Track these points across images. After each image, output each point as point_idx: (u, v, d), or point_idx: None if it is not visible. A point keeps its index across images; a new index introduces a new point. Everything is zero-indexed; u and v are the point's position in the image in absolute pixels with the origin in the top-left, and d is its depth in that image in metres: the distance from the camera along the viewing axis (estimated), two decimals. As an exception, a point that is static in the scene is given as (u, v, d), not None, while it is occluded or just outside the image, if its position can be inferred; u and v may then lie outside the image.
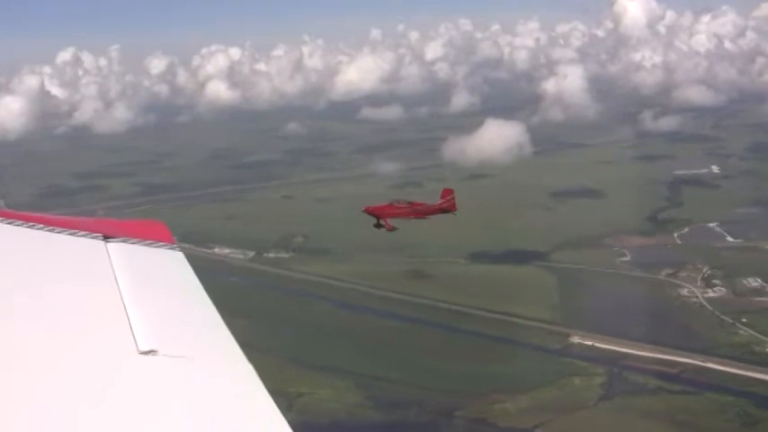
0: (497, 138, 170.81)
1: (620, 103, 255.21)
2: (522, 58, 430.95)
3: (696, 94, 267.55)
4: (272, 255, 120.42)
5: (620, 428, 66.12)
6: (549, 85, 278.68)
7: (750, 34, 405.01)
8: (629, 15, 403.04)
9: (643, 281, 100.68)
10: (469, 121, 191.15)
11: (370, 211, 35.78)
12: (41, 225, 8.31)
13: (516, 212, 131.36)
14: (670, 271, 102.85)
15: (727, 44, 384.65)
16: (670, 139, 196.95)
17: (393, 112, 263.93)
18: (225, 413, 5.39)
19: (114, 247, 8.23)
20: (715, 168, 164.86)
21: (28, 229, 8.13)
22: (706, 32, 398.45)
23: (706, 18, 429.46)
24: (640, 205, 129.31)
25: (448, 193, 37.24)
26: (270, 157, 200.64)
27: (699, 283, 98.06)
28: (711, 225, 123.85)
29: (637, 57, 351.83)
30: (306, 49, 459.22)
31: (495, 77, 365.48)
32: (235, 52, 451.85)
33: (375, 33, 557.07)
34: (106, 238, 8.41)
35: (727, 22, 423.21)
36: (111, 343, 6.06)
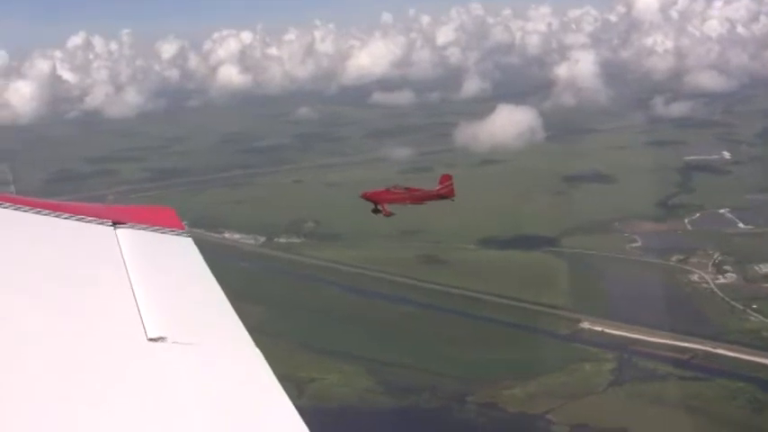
0: (509, 123, 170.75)
1: (632, 88, 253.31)
2: (533, 42, 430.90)
3: (708, 80, 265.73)
4: (282, 240, 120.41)
5: (629, 414, 65.96)
6: (561, 71, 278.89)
7: (763, 19, 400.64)
8: (642, 0, 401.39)
9: (654, 267, 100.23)
10: (481, 107, 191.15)
11: (367, 197, 35.50)
12: (50, 211, 8.30)
13: (527, 198, 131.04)
14: (681, 257, 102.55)
15: (740, 29, 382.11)
16: (681, 124, 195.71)
17: (404, 97, 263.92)
18: (233, 399, 5.41)
19: (123, 233, 8.22)
20: (726, 154, 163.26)
21: (36, 215, 8.12)
22: (719, 17, 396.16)
23: (719, 3, 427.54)
24: (651, 191, 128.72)
25: (446, 178, 36.87)
26: (281, 142, 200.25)
27: (710, 269, 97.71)
28: (722, 211, 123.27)
29: (649, 42, 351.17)
30: (317, 34, 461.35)
31: (507, 62, 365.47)
32: (246, 36, 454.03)
33: (386, 18, 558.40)
34: (115, 224, 8.41)
35: (740, 6, 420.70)
36: (121, 330, 6.07)
